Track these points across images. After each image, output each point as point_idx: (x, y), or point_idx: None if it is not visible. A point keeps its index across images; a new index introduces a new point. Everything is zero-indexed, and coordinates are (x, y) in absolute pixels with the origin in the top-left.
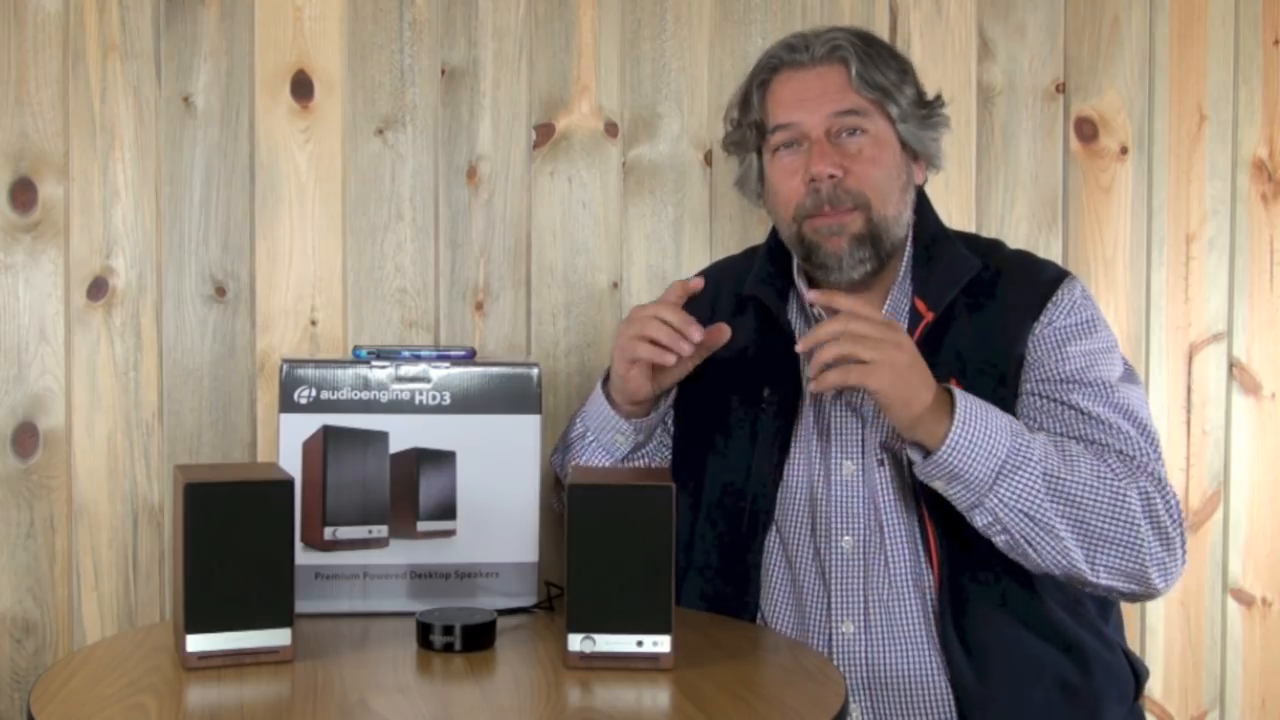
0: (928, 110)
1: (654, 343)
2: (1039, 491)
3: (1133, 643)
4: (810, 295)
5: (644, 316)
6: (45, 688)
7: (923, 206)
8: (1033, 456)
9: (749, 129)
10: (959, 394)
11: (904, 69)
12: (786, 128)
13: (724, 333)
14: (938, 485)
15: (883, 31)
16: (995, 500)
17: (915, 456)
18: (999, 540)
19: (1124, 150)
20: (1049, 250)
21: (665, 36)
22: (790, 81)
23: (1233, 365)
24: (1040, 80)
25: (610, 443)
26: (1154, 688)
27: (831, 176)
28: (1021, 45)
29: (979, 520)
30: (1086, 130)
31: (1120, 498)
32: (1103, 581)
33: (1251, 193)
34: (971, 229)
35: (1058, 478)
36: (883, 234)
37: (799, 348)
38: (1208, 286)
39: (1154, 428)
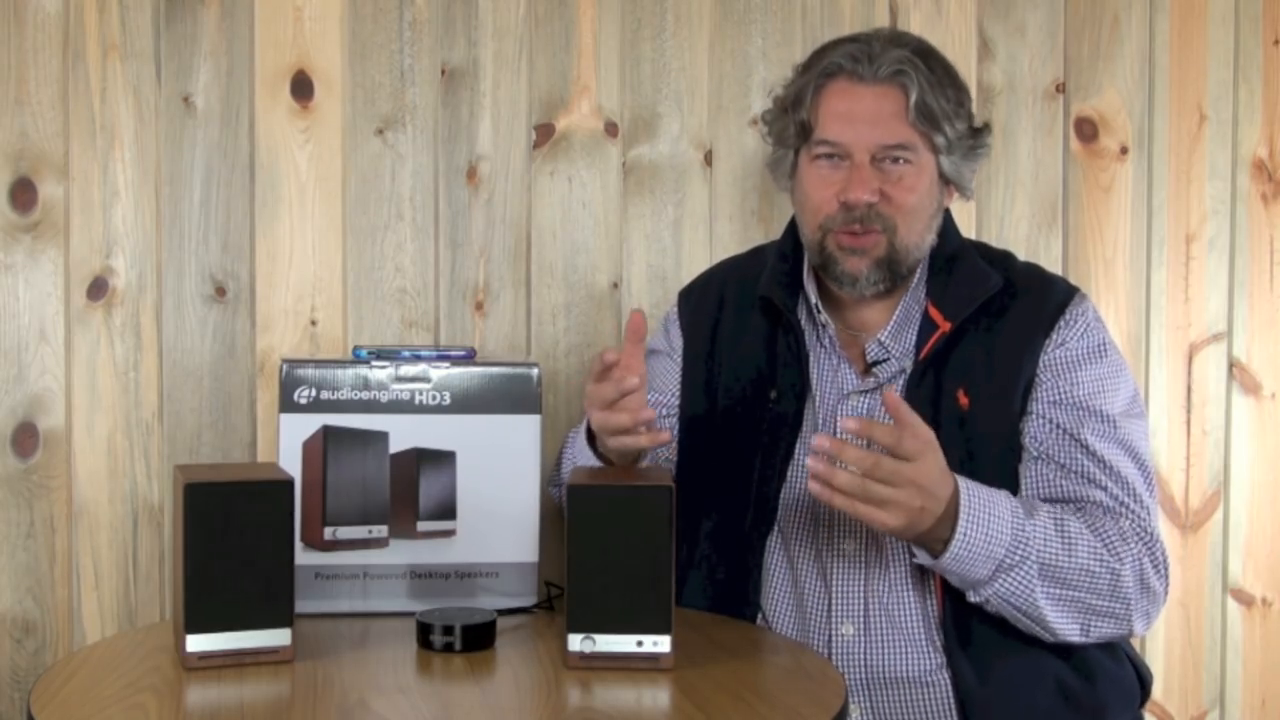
0: (975, 140)
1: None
2: (1033, 586)
3: (1133, 642)
4: (817, 442)
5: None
6: (45, 688)
7: (945, 221)
8: (1030, 553)
9: (795, 126)
10: (963, 500)
11: (960, 99)
12: (831, 144)
13: (639, 324)
14: (935, 570)
15: None
16: (989, 591)
17: (915, 551)
18: (990, 610)
19: (1124, 150)
20: (1049, 250)
21: (665, 36)
22: (846, 94)
23: (1233, 365)
24: (1040, 80)
25: None
26: (1154, 688)
27: (868, 204)
28: (1021, 45)
29: (971, 598)
30: (1086, 130)
31: (1116, 577)
32: (1091, 642)
33: (1251, 193)
34: (972, 229)
35: (1055, 565)
36: (902, 259)
37: (811, 468)
38: (1208, 286)
39: (1152, 466)
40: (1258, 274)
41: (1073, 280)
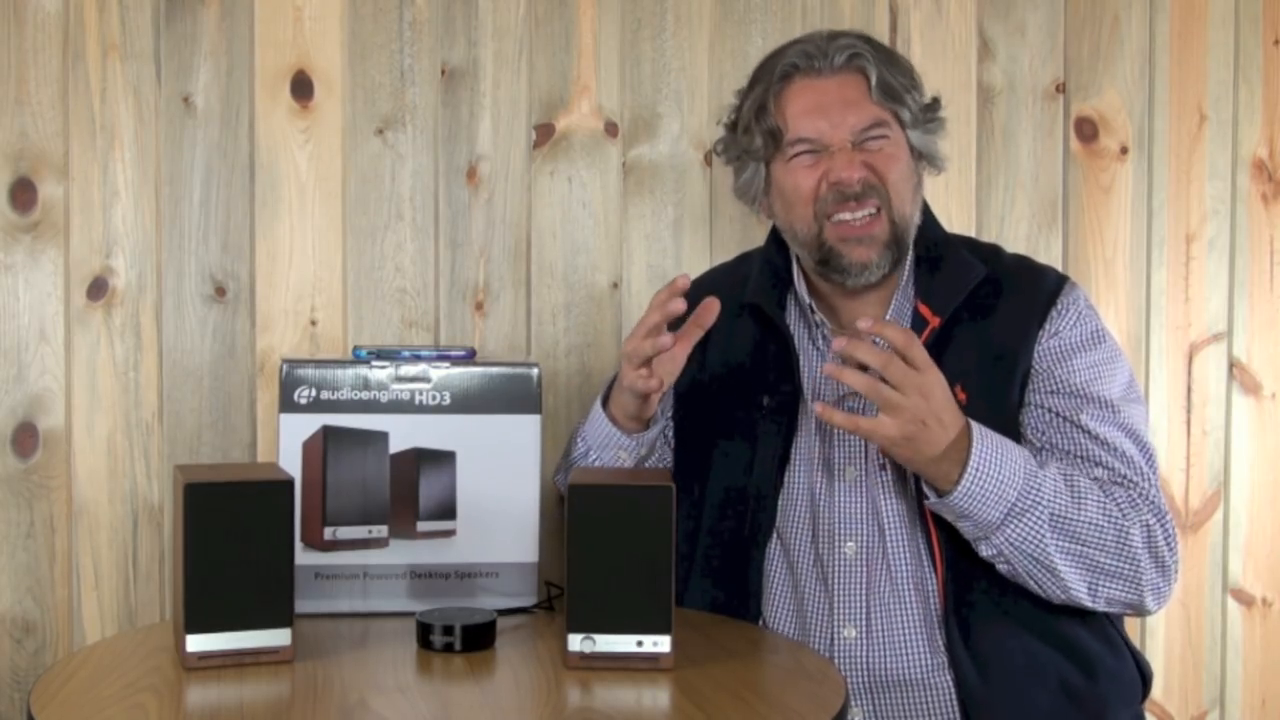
0: (931, 113)
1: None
2: (1044, 534)
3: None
4: (837, 344)
5: (638, 331)
6: (45, 688)
7: (926, 216)
8: (1042, 499)
9: (763, 136)
10: (976, 436)
11: (911, 74)
12: (808, 140)
13: (713, 308)
14: (946, 517)
15: (883, 32)
16: (1001, 539)
17: (927, 491)
18: (1001, 568)
19: (1124, 150)
20: (1049, 250)
21: (665, 36)
22: (808, 90)
23: (1233, 365)
24: (1040, 80)
25: (613, 459)
26: (1154, 688)
27: (861, 180)
28: (1021, 45)
29: (984, 550)
30: (1086, 130)
31: (1124, 534)
32: (1100, 608)
33: (1251, 193)
34: (971, 229)
35: (1065, 517)
36: (903, 235)
37: (828, 370)
38: (1208, 286)
39: (1153, 447)
40: (1258, 274)
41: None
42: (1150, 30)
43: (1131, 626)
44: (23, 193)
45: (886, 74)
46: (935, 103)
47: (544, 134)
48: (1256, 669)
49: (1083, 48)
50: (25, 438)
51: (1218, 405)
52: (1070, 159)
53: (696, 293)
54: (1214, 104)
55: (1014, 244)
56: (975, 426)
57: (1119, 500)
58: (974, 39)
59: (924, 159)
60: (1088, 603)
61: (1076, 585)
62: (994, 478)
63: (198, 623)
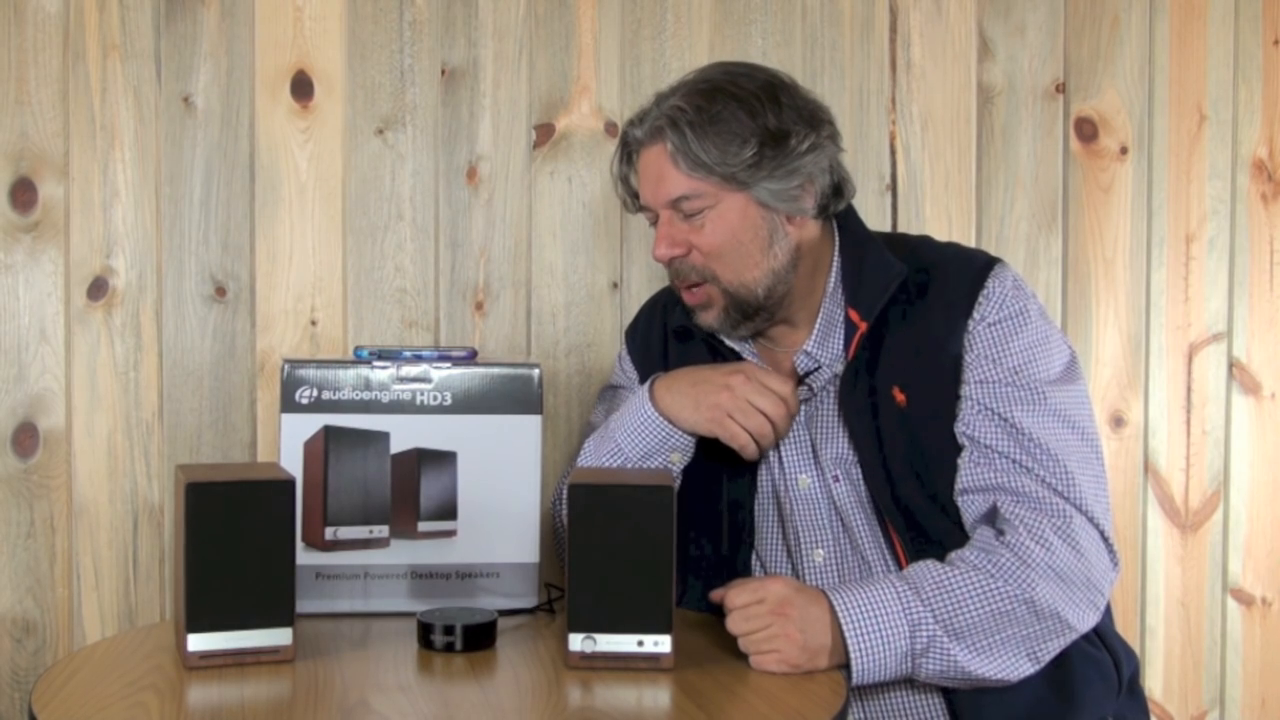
0: (780, 159)
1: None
2: (953, 656)
3: (1133, 642)
4: (713, 595)
5: (767, 395)
6: (46, 687)
7: (845, 217)
8: (937, 631)
9: (630, 198)
10: (842, 616)
11: (738, 130)
12: (642, 207)
13: None
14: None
15: (882, 32)
16: (923, 676)
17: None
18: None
19: (1124, 150)
20: (1049, 250)
21: (665, 36)
22: (639, 159)
23: (1233, 365)
24: (1040, 80)
25: (665, 465)
26: (1154, 688)
27: (672, 259)
28: (1021, 45)
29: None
30: (1086, 130)
31: (1031, 603)
32: (1050, 660)
33: (1251, 193)
34: (971, 229)
35: (965, 627)
36: (747, 298)
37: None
38: (1208, 286)
39: (1093, 429)
40: (1258, 274)
41: (1072, 280)
42: (1150, 30)
43: (1130, 626)
44: (23, 193)
45: (693, 143)
46: (784, 139)
47: (544, 134)
48: (1256, 669)
49: (1083, 48)
50: (25, 438)
51: (1218, 405)
52: (1070, 159)
53: (653, 313)
54: (1214, 104)
55: (1014, 244)
56: (839, 606)
57: (1010, 570)
58: (974, 39)
59: (786, 206)
60: (1032, 670)
61: (1013, 669)
62: (879, 645)
63: (199, 622)
